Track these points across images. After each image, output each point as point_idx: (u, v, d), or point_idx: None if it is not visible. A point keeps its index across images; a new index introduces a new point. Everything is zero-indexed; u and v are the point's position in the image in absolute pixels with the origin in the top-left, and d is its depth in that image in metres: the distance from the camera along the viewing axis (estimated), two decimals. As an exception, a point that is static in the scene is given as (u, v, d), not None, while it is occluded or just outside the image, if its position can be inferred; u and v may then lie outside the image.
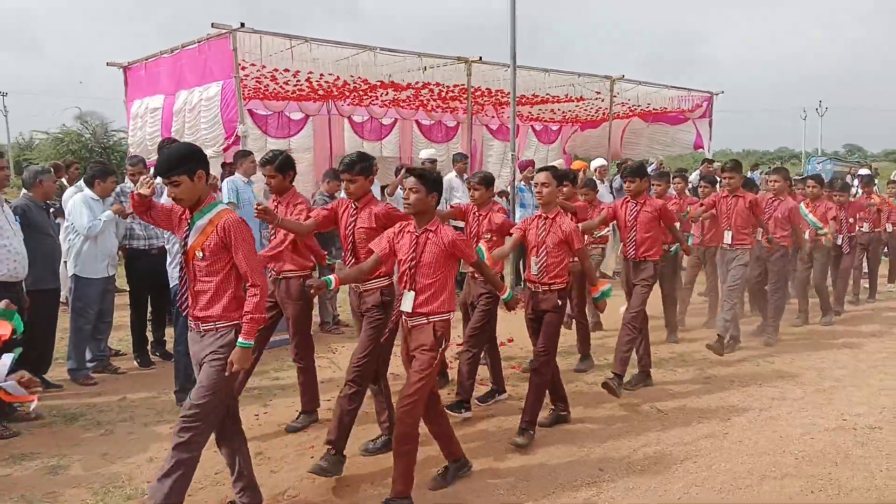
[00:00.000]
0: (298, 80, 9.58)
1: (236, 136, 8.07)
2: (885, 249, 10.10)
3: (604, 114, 14.01)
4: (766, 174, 7.51)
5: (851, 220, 8.54)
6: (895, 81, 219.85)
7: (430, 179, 3.74)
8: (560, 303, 4.60)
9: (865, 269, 9.76)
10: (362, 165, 4.33)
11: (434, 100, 12.46)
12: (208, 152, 8.57)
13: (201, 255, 3.31)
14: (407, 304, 3.73)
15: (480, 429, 4.81)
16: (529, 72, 11.02)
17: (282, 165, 4.82)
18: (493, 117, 15.04)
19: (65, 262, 5.96)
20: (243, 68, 8.23)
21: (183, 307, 3.46)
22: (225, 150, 8.45)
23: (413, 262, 3.71)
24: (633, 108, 14.22)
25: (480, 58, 10.12)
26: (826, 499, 3.79)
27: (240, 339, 3.28)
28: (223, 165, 8.76)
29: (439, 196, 3.85)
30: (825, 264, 8.06)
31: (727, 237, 6.70)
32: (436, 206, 3.85)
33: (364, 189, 4.37)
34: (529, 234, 4.71)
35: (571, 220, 4.76)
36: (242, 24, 7.87)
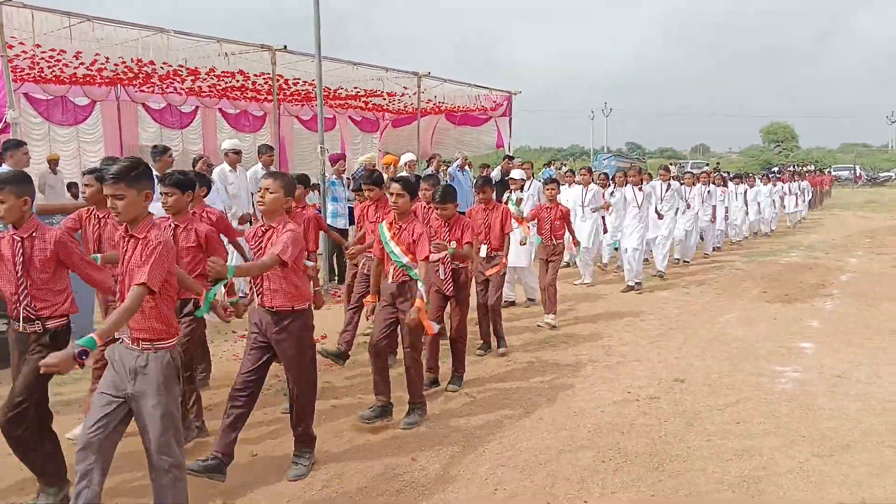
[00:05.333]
0: (82, 63, 8.72)
1: (6, 122, 7.18)
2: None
3: (412, 110, 14.28)
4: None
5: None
6: (667, 88, 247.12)
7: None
8: None
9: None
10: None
11: (236, 89, 11.95)
12: (-31, 140, 7.53)
13: None
14: None
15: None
16: (337, 64, 10.93)
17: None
18: (302, 106, 14.73)
19: None
20: (12, 47, 7.33)
21: None
22: (-10, 138, 7.47)
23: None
24: (439, 105, 14.63)
25: (285, 46, 9.85)
26: (615, 466, 4.15)
27: None
28: (-10, 155, 7.74)
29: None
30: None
31: None
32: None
33: None
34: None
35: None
36: (9, -3, 6.99)
